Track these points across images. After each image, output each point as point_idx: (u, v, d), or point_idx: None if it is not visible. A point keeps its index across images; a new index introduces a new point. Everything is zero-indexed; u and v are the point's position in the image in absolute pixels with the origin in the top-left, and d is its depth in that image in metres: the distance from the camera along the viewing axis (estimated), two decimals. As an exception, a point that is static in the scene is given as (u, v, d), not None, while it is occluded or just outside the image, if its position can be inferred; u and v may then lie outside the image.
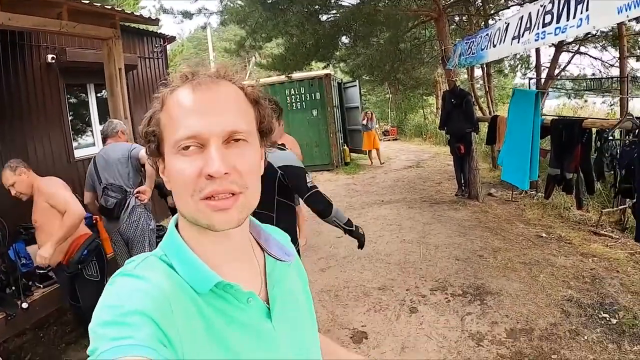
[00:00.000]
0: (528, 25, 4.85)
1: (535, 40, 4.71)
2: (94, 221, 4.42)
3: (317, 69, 16.79)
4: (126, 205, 4.11)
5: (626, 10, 3.43)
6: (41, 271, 3.90)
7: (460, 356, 3.57)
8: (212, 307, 0.78)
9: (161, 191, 4.68)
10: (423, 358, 3.60)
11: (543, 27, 4.54)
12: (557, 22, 4.29)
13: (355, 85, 15.72)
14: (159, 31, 8.81)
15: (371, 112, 14.72)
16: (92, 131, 7.33)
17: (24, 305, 3.48)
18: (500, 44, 5.64)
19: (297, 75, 13.69)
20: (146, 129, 0.83)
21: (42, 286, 3.79)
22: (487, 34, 6.16)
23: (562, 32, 4.23)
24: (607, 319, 3.90)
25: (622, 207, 6.05)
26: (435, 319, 4.20)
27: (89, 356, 0.63)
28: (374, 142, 14.51)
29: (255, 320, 0.83)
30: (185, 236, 0.84)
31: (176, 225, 0.88)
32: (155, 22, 6.57)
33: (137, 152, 4.05)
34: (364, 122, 14.26)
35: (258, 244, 0.97)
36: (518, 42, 5.11)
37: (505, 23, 5.45)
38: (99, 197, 4.21)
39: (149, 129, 0.82)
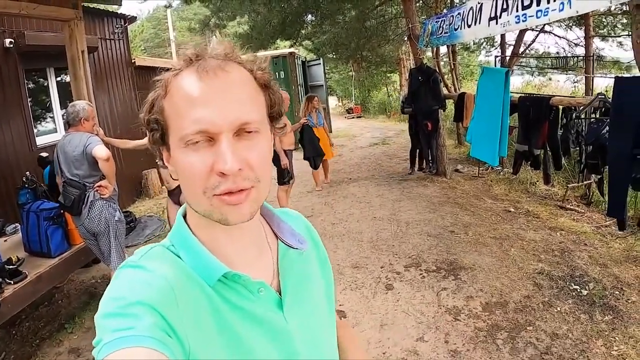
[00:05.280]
0: (504, 7, 4.85)
1: (517, 22, 4.71)
2: (61, 211, 4.28)
3: (283, 48, 16.62)
4: (86, 200, 4.01)
5: (611, -4, 3.46)
6: (10, 267, 3.75)
7: (439, 331, 3.64)
8: (221, 298, 0.76)
9: None
10: (403, 334, 3.65)
11: (523, 9, 4.54)
12: (538, 4, 4.29)
13: (320, 64, 15.62)
14: (119, 11, 8.47)
15: (315, 98, 8.39)
16: (52, 117, 7.10)
17: (-5, 303, 3.32)
18: (475, 24, 5.63)
19: (261, 53, 13.45)
20: (148, 116, 0.78)
21: (12, 282, 3.63)
22: (459, 13, 6.16)
23: (544, 15, 4.23)
24: (578, 290, 4.04)
25: (587, 182, 6.23)
26: (412, 295, 4.26)
27: (94, 347, 0.63)
28: (324, 146, 8.36)
29: (266, 311, 0.81)
30: (194, 226, 0.82)
31: (184, 215, 0.86)
32: (118, 1, 6.32)
33: (91, 149, 3.86)
34: (306, 115, 8.10)
35: (272, 230, 0.94)
36: (496, 24, 5.11)
37: (479, 3, 5.44)
38: (60, 190, 4.13)
39: (152, 117, 0.77)
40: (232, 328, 0.75)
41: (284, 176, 6.42)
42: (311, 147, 7.55)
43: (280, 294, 0.86)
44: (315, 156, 7.61)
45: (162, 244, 0.82)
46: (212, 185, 0.71)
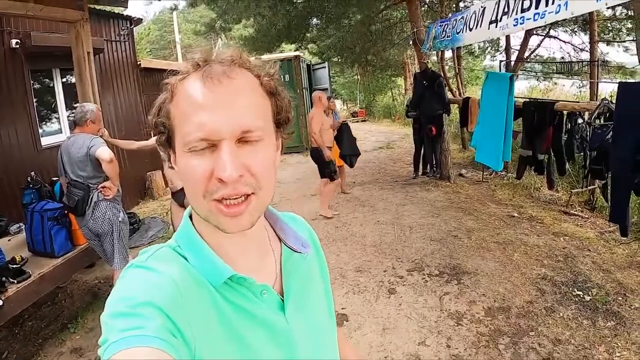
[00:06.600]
0: (506, 10, 4.87)
1: (514, 25, 4.73)
2: (65, 211, 4.30)
3: (288, 51, 16.66)
4: (89, 201, 4.04)
5: (605, -2, 3.47)
6: (14, 266, 3.77)
7: (441, 335, 3.63)
8: (226, 300, 0.77)
9: None
10: (405, 338, 3.64)
11: (522, 12, 4.57)
12: (536, 7, 4.31)
13: (325, 67, 15.65)
14: (125, 13, 8.51)
15: (332, 99, 8.43)
16: (58, 118, 7.12)
17: (-2, 302, 3.33)
18: (476, 27, 5.65)
19: (266, 56, 13.51)
20: (156, 119, 0.78)
21: (15, 282, 3.63)
22: (462, 17, 6.17)
23: (541, 17, 4.26)
24: (581, 296, 4.03)
25: (592, 187, 6.21)
26: (414, 300, 4.25)
27: (99, 346, 0.63)
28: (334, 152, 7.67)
29: (269, 314, 0.82)
30: (199, 228, 0.83)
31: (191, 216, 0.86)
32: (125, 3, 6.34)
33: (94, 151, 3.90)
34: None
35: (275, 233, 0.95)
36: (496, 27, 5.13)
37: (482, 7, 5.46)
38: (64, 192, 4.17)
39: (159, 120, 0.78)
40: (236, 329, 0.76)
41: (328, 168, 6.73)
42: (350, 145, 7.60)
43: (282, 296, 0.86)
44: (351, 155, 7.64)
45: (168, 244, 0.82)
46: (211, 190, 0.71)
